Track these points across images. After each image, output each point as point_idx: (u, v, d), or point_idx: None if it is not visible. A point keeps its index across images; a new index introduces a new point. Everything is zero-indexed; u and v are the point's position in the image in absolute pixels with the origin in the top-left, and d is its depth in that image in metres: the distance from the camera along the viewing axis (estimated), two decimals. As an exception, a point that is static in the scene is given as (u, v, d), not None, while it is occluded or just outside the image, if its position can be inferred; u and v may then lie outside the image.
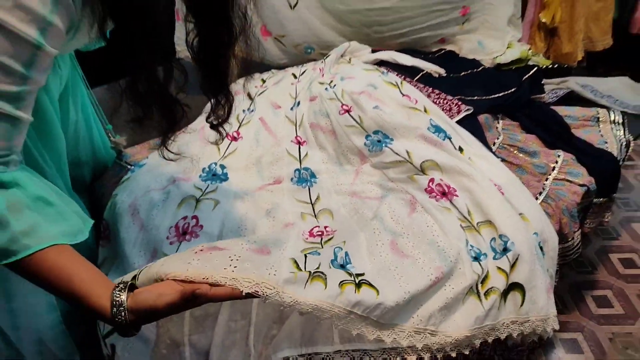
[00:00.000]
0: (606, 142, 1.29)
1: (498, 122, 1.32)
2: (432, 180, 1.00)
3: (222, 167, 1.12)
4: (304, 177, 1.11)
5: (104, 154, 1.12)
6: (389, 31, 1.63)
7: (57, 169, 0.82)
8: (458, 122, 1.20)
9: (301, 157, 1.16)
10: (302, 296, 0.69)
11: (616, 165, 1.24)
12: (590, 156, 1.22)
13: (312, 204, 1.04)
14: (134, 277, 0.64)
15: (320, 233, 0.96)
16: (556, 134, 1.28)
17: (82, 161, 1.03)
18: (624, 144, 1.31)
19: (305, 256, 0.78)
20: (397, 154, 1.06)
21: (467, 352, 0.86)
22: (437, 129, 1.11)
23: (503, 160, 1.16)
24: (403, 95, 1.20)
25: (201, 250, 0.69)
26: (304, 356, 0.85)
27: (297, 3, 1.60)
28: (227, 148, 1.19)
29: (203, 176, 1.09)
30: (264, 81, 1.51)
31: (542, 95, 1.46)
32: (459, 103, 1.26)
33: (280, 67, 1.65)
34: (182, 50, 0.73)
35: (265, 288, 0.65)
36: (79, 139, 0.99)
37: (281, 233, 0.91)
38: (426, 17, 1.62)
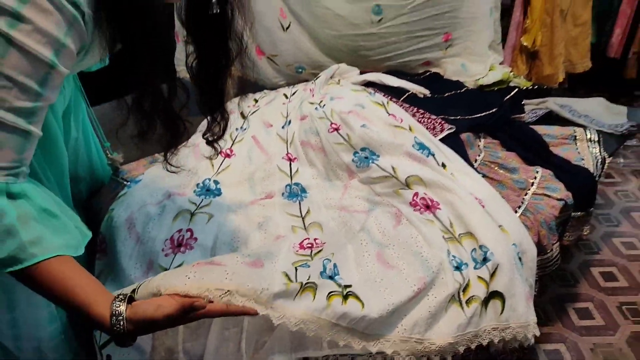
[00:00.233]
0: (583, 159, 1.35)
1: (480, 140, 1.38)
2: (416, 194, 1.06)
3: (216, 182, 1.16)
4: (295, 192, 1.16)
5: (101, 170, 1.16)
6: (375, 55, 1.71)
7: (58, 184, 0.86)
8: (441, 140, 1.26)
9: (292, 173, 1.21)
10: (290, 310, 0.74)
11: (592, 181, 1.30)
12: (567, 172, 1.28)
13: (303, 218, 1.09)
14: (134, 290, 0.68)
15: (310, 245, 1.00)
16: (535, 152, 1.34)
17: (80, 177, 1.07)
18: (600, 160, 1.38)
19: (296, 269, 0.83)
20: (383, 169, 1.11)
21: (449, 359, 0.90)
22: (421, 147, 1.16)
23: (484, 176, 1.22)
24: (389, 114, 1.26)
25: (198, 264, 0.73)
26: (294, 361, 0.88)
27: (289, 25, 1.68)
28: (221, 164, 1.23)
29: (197, 191, 1.13)
30: (256, 101, 1.56)
31: (522, 115, 1.53)
32: (442, 122, 1.32)
33: (274, 86, 1.71)
34: (181, 70, 0.79)
35: (256, 304, 0.70)
36: (78, 155, 1.03)
37: (273, 246, 0.95)
38: (410, 42, 1.70)
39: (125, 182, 1.17)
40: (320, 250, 0.98)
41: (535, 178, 1.24)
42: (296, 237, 1.02)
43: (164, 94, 0.66)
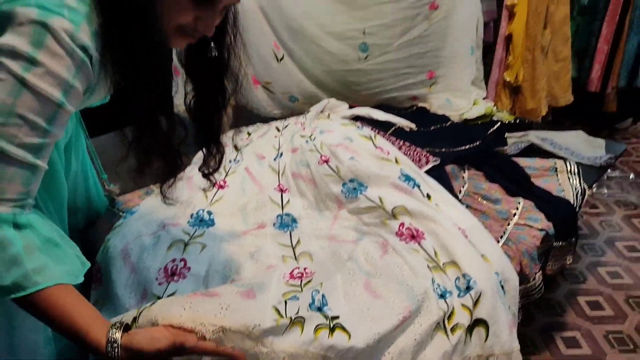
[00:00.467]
0: (563, 191, 1.41)
1: (464, 172, 1.44)
2: (402, 224, 1.10)
3: (209, 213, 1.20)
4: (286, 223, 1.20)
5: (98, 201, 1.19)
6: (364, 90, 1.80)
7: (58, 214, 0.90)
8: (426, 171, 1.32)
9: (283, 204, 1.25)
10: (278, 345, 0.78)
11: (573, 212, 1.35)
12: (548, 203, 1.33)
13: (293, 248, 1.12)
14: (135, 319, 0.72)
15: (300, 275, 1.03)
16: (517, 183, 1.40)
17: (78, 208, 1.10)
18: (580, 192, 1.43)
19: (286, 302, 0.86)
20: (370, 200, 1.16)
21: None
22: (407, 178, 1.21)
23: (468, 206, 1.26)
24: (376, 147, 1.32)
25: (195, 294, 0.78)
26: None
27: (282, 57, 1.77)
28: (214, 195, 1.27)
29: (191, 221, 1.17)
30: (249, 134, 1.62)
31: (505, 147, 1.60)
32: (427, 155, 1.38)
33: (268, 115, 1.80)
34: (179, 104, 0.84)
35: (248, 340, 0.75)
36: (77, 187, 1.06)
37: (264, 276, 0.99)
38: (396, 78, 1.79)
39: (121, 213, 1.21)
40: (310, 280, 1.01)
41: (517, 209, 1.28)
42: (286, 267, 1.05)
43: (163, 130, 0.71)
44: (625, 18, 2.48)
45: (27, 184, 0.64)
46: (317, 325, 0.83)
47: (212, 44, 0.76)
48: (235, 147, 1.50)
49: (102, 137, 1.25)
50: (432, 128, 1.64)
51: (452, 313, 0.95)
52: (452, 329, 0.94)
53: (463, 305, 0.96)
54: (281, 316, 0.82)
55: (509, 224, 1.23)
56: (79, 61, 0.62)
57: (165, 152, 0.73)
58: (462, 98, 1.82)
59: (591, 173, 1.55)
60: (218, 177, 1.27)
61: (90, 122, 1.09)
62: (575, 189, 1.42)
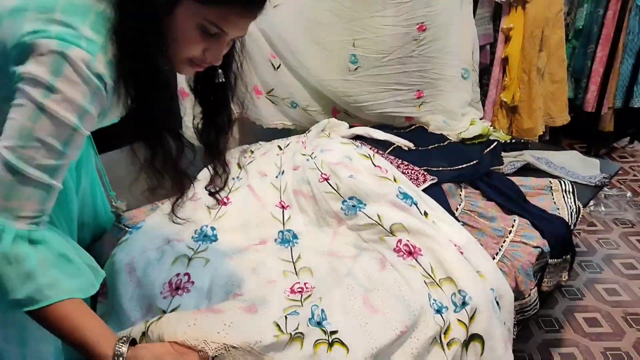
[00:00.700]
0: (558, 209, 1.44)
1: (461, 190, 1.47)
2: (400, 241, 1.13)
3: (213, 228, 1.24)
4: (287, 238, 1.23)
5: (104, 217, 1.23)
6: (355, 102, 1.84)
7: (69, 229, 0.93)
8: (424, 190, 1.35)
9: (284, 220, 1.29)
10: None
11: (567, 230, 1.38)
12: (544, 221, 1.36)
13: (294, 263, 1.15)
14: (144, 334, 0.75)
15: (300, 290, 1.06)
16: (513, 201, 1.43)
17: (85, 223, 1.13)
18: (575, 210, 1.46)
19: (286, 317, 0.89)
20: (369, 217, 1.19)
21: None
22: (405, 196, 1.25)
23: (465, 224, 1.30)
24: (375, 165, 1.36)
25: (200, 311, 0.82)
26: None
27: (279, 65, 1.83)
28: (218, 212, 1.31)
29: (195, 237, 1.20)
30: (252, 152, 1.66)
31: (501, 166, 1.64)
32: (425, 173, 1.41)
33: (270, 128, 1.87)
34: (187, 126, 0.89)
35: (249, 356, 0.77)
36: (85, 203, 1.10)
37: (266, 291, 1.02)
38: (386, 93, 1.82)
39: (126, 229, 1.24)
40: (310, 295, 1.04)
41: (512, 226, 1.32)
42: (287, 282, 1.08)
43: (173, 153, 0.75)
44: (618, 41, 2.54)
45: (42, 202, 0.67)
46: (317, 341, 0.86)
47: (220, 71, 0.80)
48: (239, 165, 1.55)
49: (109, 154, 1.30)
50: (430, 147, 1.68)
51: (448, 328, 0.98)
52: (449, 344, 0.96)
53: (459, 320, 0.99)
54: (282, 332, 0.85)
55: (504, 241, 1.26)
56: (95, 88, 0.66)
57: (175, 172, 0.77)
58: (457, 120, 1.86)
59: (586, 192, 1.58)
60: (222, 194, 1.32)
61: (99, 139, 1.13)
62: (570, 207, 1.45)
